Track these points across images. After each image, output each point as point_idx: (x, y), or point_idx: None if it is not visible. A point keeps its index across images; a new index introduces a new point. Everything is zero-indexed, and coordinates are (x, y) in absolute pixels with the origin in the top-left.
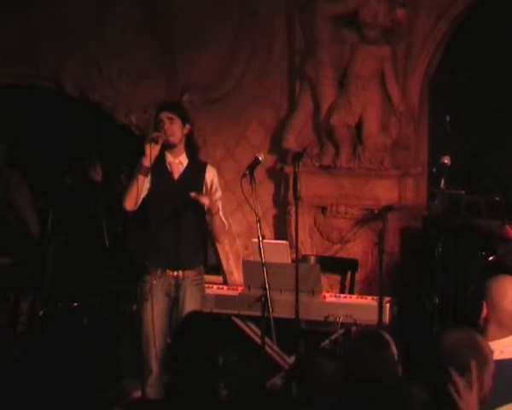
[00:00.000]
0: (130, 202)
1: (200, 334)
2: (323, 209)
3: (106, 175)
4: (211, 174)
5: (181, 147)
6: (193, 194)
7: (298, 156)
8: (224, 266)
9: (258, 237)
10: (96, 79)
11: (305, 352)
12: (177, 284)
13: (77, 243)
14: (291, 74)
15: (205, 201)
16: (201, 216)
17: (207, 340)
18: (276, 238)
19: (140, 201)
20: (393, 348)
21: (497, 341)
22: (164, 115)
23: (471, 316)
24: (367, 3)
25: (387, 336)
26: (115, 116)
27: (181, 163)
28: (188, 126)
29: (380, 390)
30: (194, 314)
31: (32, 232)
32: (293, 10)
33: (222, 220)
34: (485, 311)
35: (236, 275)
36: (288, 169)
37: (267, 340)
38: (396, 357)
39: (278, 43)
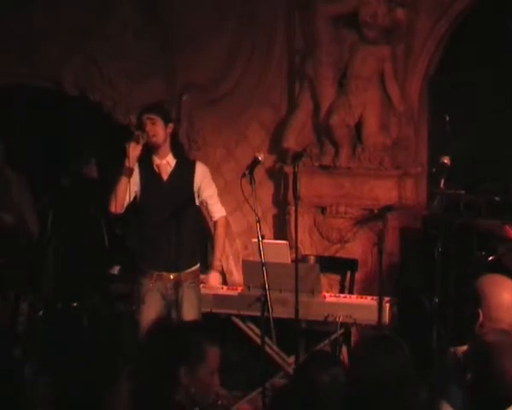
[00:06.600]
0: (115, 205)
1: (162, 347)
2: (323, 209)
3: (105, 175)
4: (200, 172)
5: (166, 147)
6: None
7: (298, 156)
8: (224, 266)
9: (258, 237)
10: (95, 79)
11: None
12: (174, 287)
13: (77, 243)
14: (291, 74)
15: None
16: (195, 216)
17: (169, 353)
18: (275, 238)
19: (127, 203)
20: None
21: None
22: (145, 117)
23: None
24: (367, 3)
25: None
26: (115, 116)
27: (168, 164)
28: (171, 125)
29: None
30: (160, 326)
31: (31, 232)
32: (293, 10)
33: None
34: (481, 319)
35: (236, 275)
36: (288, 169)
37: (267, 340)
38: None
39: (278, 43)
